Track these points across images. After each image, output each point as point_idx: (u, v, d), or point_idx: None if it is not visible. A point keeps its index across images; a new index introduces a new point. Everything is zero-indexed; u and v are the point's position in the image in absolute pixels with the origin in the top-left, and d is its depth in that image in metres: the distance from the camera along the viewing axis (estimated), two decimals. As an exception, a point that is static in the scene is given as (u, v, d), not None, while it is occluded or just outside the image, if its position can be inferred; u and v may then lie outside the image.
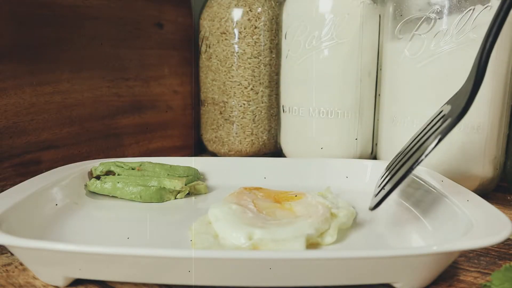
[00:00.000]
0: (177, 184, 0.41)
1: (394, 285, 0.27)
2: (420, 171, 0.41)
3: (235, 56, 0.56)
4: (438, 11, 0.41)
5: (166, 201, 0.40)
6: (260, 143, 0.59)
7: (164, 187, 0.40)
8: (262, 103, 0.58)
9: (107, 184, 0.40)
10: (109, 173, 0.43)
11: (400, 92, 0.45)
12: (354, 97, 0.50)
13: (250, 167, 0.46)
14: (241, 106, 0.57)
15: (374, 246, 0.32)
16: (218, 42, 0.56)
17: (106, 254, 0.25)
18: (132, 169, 0.43)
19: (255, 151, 0.59)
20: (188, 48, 0.62)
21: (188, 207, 0.40)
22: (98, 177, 0.42)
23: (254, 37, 0.56)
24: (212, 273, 0.26)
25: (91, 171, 0.43)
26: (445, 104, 0.34)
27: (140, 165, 0.43)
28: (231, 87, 0.57)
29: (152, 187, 0.40)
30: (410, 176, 0.41)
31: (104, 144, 0.52)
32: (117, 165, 0.43)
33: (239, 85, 0.57)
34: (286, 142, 0.55)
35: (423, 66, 0.43)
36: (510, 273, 0.27)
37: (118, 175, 0.42)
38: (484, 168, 0.43)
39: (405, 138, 0.45)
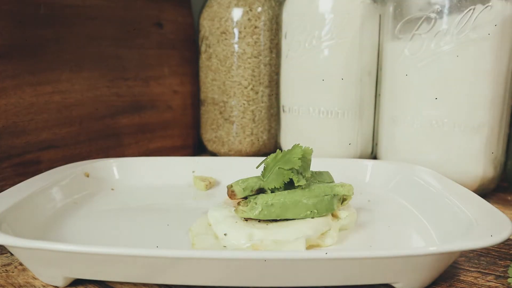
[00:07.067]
0: (350, 188, 0.34)
1: (394, 285, 0.27)
2: (420, 171, 0.41)
3: (235, 56, 0.56)
4: (439, 10, 0.41)
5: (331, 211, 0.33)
6: (260, 143, 0.59)
7: (336, 194, 0.34)
8: (262, 103, 0.58)
9: (273, 206, 0.32)
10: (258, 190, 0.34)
11: (400, 92, 0.45)
12: (354, 97, 0.49)
13: (250, 167, 0.46)
14: (241, 106, 0.57)
15: (374, 246, 0.32)
16: (218, 42, 0.56)
17: (106, 254, 0.25)
18: None
19: (255, 151, 0.59)
20: (188, 48, 0.62)
21: (188, 207, 0.40)
22: (245, 198, 0.33)
23: (254, 37, 0.56)
24: (212, 273, 0.26)
25: (232, 191, 0.33)
26: None
27: None
28: (231, 87, 0.57)
29: (326, 197, 0.33)
30: (411, 176, 0.41)
31: (104, 144, 0.52)
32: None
33: (239, 85, 0.57)
34: (286, 142, 0.55)
35: (423, 66, 0.43)
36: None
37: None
38: (484, 168, 0.43)
39: (405, 138, 0.45)
